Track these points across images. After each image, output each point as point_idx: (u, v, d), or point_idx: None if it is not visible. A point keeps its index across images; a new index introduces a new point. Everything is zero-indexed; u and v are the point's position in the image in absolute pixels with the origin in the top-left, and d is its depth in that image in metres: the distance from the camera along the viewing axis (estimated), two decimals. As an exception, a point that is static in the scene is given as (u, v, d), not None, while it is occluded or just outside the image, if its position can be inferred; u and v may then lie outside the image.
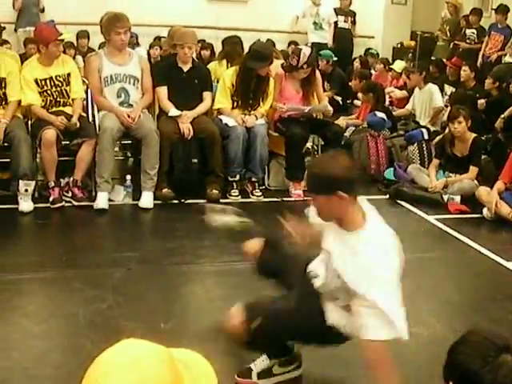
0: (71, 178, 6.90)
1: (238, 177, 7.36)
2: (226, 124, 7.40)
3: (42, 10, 13.45)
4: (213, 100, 7.64)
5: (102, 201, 6.80)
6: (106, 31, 7.14)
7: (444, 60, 11.96)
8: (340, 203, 3.29)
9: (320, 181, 3.38)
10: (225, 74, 7.79)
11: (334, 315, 3.54)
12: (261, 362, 3.88)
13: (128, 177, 7.08)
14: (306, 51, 7.68)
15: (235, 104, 7.63)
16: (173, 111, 7.19)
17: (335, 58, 12.04)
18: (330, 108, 8.00)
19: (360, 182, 3.52)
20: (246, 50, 8.74)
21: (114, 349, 1.62)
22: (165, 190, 7.03)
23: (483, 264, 5.90)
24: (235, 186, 7.32)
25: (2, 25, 8.02)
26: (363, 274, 3.22)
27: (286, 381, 3.87)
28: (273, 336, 3.64)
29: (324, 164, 3.44)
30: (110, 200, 6.89)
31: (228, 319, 3.63)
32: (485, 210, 7.05)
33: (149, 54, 11.81)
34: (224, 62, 8.82)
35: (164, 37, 12.48)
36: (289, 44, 13.77)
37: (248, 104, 7.61)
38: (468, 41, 12.48)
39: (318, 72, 8.11)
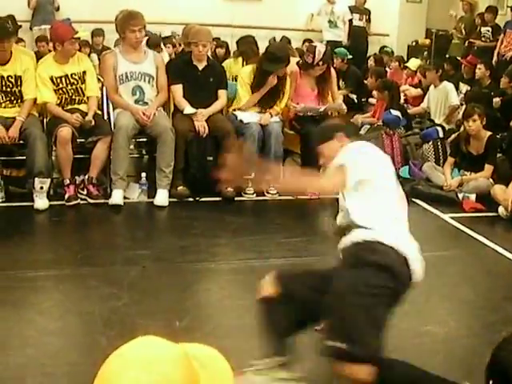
0: (86, 176, 6.91)
1: (253, 174, 7.33)
2: (240, 121, 7.40)
3: (57, 9, 13.50)
4: (228, 98, 7.65)
5: (117, 197, 6.81)
6: (120, 29, 7.16)
7: (459, 58, 11.92)
8: (338, 146, 3.67)
9: (323, 130, 3.97)
10: (242, 72, 7.80)
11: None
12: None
13: (143, 174, 7.08)
14: (320, 48, 7.69)
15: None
16: (188, 109, 7.19)
17: (350, 56, 12.01)
18: (345, 106, 7.99)
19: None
20: (261, 48, 8.76)
21: (128, 346, 1.61)
22: (180, 188, 7.03)
23: (499, 263, 5.87)
24: (250, 183, 7.31)
25: (18, 23, 8.05)
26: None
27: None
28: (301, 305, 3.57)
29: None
30: (125, 198, 6.90)
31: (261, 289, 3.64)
32: (500, 209, 7.01)
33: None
34: (240, 59, 8.82)
35: (169, 36, 12.54)
36: (303, 42, 13.75)
37: (264, 102, 7.60)
38: (483, 39, 12.42)
39: (332, 70, 8.11)
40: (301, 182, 3.73)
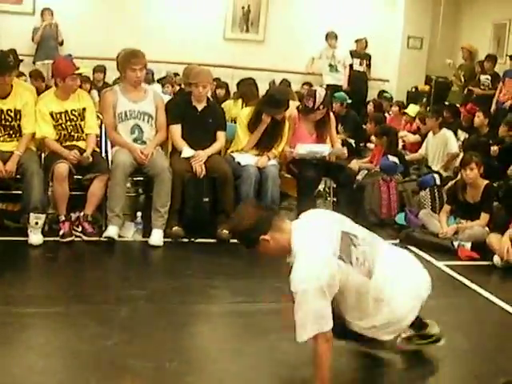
0: (82, 213, 6.90)
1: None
2: (238, 163, 7.41)
3: (61, 44, 13.63)
4: (226, 139, 7.66)
5: (111, 231, 6.80)
6: (121, 67, 7.19)
7: (458, 105, 11.99)
8: (272, 243, 3.81)
9: (243, 239, 3.98)
10: (241, 114, 7.82)
11: None
12: None
13: (139, 213, 7.08)
14: (321, 92, 7.73)
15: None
16: (185, 152, 7.18)
17: (349, 101, 12.09)
18: (345, 152, 7.99)
19: (272, 213, 4.00)
20: (261, 89, 8.80)
21: None
22: (175, 228, 7.00)
23: (492, 313, 5.85)
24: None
25: (20, 57, 8.08)
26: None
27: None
28: None
29: (234, 226, 4.01)
30: (119, 236, 6.89)
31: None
32: (495, 258, 7.00)
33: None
34: (239, 101, 8.87)
35: (165, 77, 12.62)
36: (303, 85, 13.85)
37: (262, 145, 7.61)
38: (482, 87, 12.53)
39: (331, 114, 8.14)
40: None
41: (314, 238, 3.82)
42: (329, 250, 3.75)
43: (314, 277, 3.63)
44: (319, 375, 3.74)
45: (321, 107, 7.66)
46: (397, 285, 3.95)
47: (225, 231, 6.96)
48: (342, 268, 3.73)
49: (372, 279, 3.84)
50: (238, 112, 8.18)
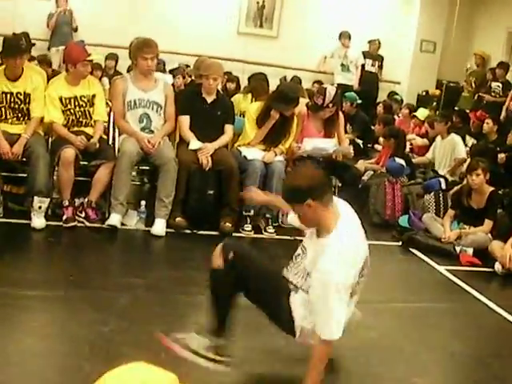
0: (86, 199, 6.91)
1: (252, 212, 7.31)
2: (244, 157, 7.41)
3: (75, 30, 13.61)
4: (234, 133, 7.67)
5: (114, 219, 6.81)
6: (133, 55, 7.19)
7: (467, 111, 11.98)
8: (312, 211, 3.75)
9: (289, 193, 3.93)
10: (250, 108, 7.81)
11: (299, 309, 3.96)
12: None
13: (142, 202, 7.08)
14: (331, 90, 7.71)
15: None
16: (193, 144, 7.18)
17: (359, 101, 12.09)
18: (352, 151, 7.97)
19: (328, 188, 4.04)
20: (272, 85, 8.79)
21: (124, 369, 1.60)
22: (178, 219, 7.00)
23: (490, 319, 5.84)
24: (249, 220, 7.28)
25: (34, 42, 8.07)
26: (316, 277, 3.69)
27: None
28: (241, 274, 4.02)
29: (291, 177, 4.07)
30: (122, 224, 6.89)
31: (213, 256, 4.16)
32: (497, 265, 7.00)
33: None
34: (249, 95, 8.87)
35: (177, 68, 12.62)
36: (314, 83, 13.82)
37: (269, 141, 7.60)
38: (493, 94, 12.51)
39: (340, 113, 8.12)
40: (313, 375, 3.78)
41: (354, 245, 3.84)
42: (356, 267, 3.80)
43: (343, 274, 3.64)
44: (313, 376, 3.75)
45: (330, 105, 7.65)
46: None
47: (228, 224, 6.97)
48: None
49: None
50: (247, 106, 8.18)
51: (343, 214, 3.89)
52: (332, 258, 3.64)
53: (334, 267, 3.61)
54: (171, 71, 12.58)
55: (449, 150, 9.88)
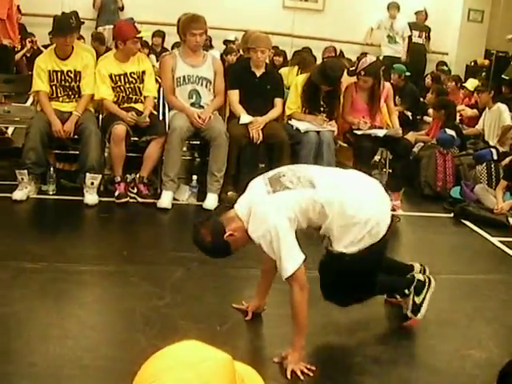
0: (137, 175, 6.97)
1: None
2: (297, 129, 7.39)
3: (122, 9, 13.66)
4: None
5: (165, 200, 6.83)
6: (182, 31, 7.19)
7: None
8: (238, 236, 3.99)
9: (214, 254, 4.22)
10: (296, 80, 7.78)
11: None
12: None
13: (194, 177, 7.10)
14: (368, 59, 7.58)
15: (305, 111, 7.62)
16: (243, 118, 7.17)
17: (408, 73, 11.96)
18: (401, 131, 7.82)
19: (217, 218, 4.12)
20: (319, 59, 8.74)
21: (174, 347, 1.61)
22: (230, 193, 7.00)
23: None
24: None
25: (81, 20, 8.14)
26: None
27: None
28: None
29: (205, 252, 4.18)
30: (174, 199, 6.93)
31: None
32: (551, 236, 6.93)
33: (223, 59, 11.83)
34: (295, 68, 8.83)
35: (230, 40, 12.62)
36: (360, 55, 13.72)
37: (316, 112, 7.58)
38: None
39: (388, 85, 8.01)
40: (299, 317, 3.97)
41: (249, 194, 4.09)
42: (263, 192, 3.93)
43: (273, 211, 3.80)
44: (300, 320, 3.94)
45: (362, 73, 7.52)
46: (350, 186, 4.08)
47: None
48: (284, 196, 3.86)
49: (316, 187, 3.91)
50: (293, 79, 8.15)
51: (244, 201, 4.07)
52: (257, 213, 3.88)
53: (264, 214, 3.81)
54: (225, 42, 12.67)
55: (495, 120, 9.78)
